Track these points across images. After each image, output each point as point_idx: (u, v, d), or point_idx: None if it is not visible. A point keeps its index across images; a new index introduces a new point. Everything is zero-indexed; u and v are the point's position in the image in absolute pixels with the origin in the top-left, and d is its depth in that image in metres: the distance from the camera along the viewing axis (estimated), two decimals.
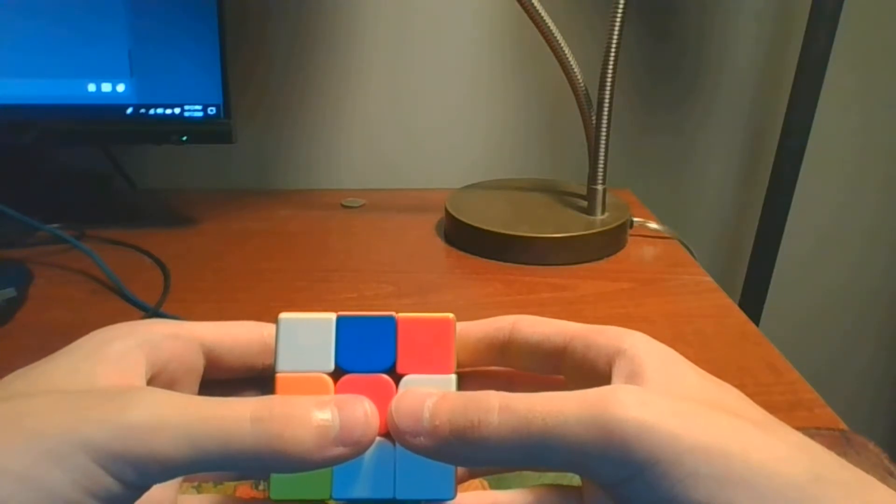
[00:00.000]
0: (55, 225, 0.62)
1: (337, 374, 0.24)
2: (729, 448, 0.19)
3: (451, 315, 0.24)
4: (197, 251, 0.66)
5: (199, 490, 0.32)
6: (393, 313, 0.24)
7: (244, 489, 0.34)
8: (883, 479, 0.36)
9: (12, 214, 0.57)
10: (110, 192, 0.81)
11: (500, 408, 0.20)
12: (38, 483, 0.18)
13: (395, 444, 0.22)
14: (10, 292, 0.53)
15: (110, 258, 0.59)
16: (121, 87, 0.65)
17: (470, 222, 0.65)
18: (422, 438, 0.21)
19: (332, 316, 0.24)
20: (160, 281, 0.59)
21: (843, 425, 0.42)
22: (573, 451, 0.20)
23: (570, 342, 0.24)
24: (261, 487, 0.34)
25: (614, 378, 0.22)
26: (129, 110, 0.66)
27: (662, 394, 0.21)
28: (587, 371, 0.24)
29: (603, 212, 0.67)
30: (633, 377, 0.22)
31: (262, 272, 0.61)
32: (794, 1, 0.82)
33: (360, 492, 0.23)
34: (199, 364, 0.25)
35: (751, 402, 0.22)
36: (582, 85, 0.64)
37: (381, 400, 0.22)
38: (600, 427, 0.19)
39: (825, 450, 0.20)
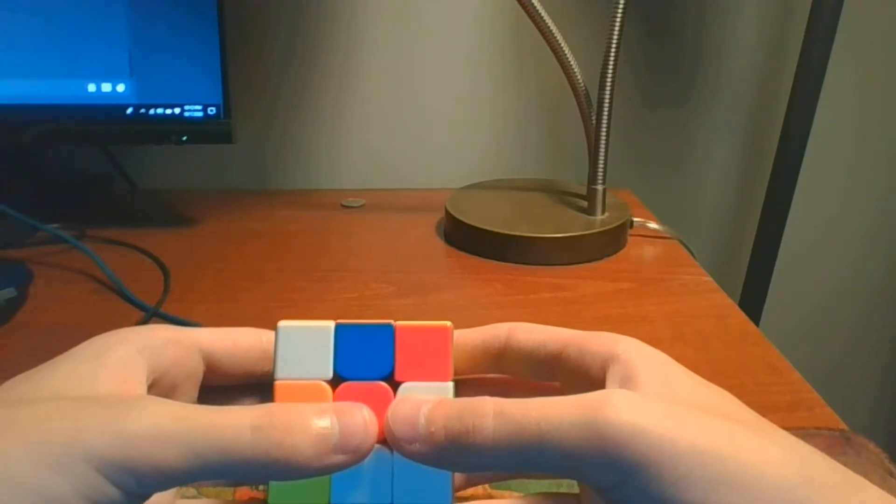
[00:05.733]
0: (55, 225, 0.62)
1: (335, 382, 0.24)
2: (722, 451, 0.19)
3: (448, 323, 0.24)
4: (197, 251, 0.66)
5: (199, 493, 0.33)
6: (391, 321, 0.24)
7: (243, 491, 0.34)
8: (883, 480, 0.36)
9: (12, 214, 0.57)
10: (110, 192, 0.81)
11: (494, 413, 0.20)
12: (40, 491, 0.18)
13: (392, 452, 0.23)
14: (10, 292, 0.53)
15: (110, 258, 0.59)
16: (121, 88, 0.65)
17: (470, 222, 0.65)
18: (417, 445, 0.21)
19: (331, 324, 0.24)
20: (160, 281, 0.59)
21: (843, 425, 0.42)
22: (568, 456, 0.20)
23: (564, 349, 0.25)
24: (261, 488, 0.34)
25: (608, 383, 0.23)
26: (129, 110, 0.66)
27: (655, 398, 0.21)
28: (582, 377, 0.24)
29: (603, 212, 0.67)
30: (627, 382, 0.22)
31: (262, 272, 0.61)
32: (794, 1, 0.82)
33: (357, 499, 0.23)
34: (198, 370, 0.25)
35: (743, 404, 0.22)
36: (582, 85, 0.64)
37: (380, 407, 0.22)
38: (594, 431, 0.19)
39: (817, 452, 0.21)
